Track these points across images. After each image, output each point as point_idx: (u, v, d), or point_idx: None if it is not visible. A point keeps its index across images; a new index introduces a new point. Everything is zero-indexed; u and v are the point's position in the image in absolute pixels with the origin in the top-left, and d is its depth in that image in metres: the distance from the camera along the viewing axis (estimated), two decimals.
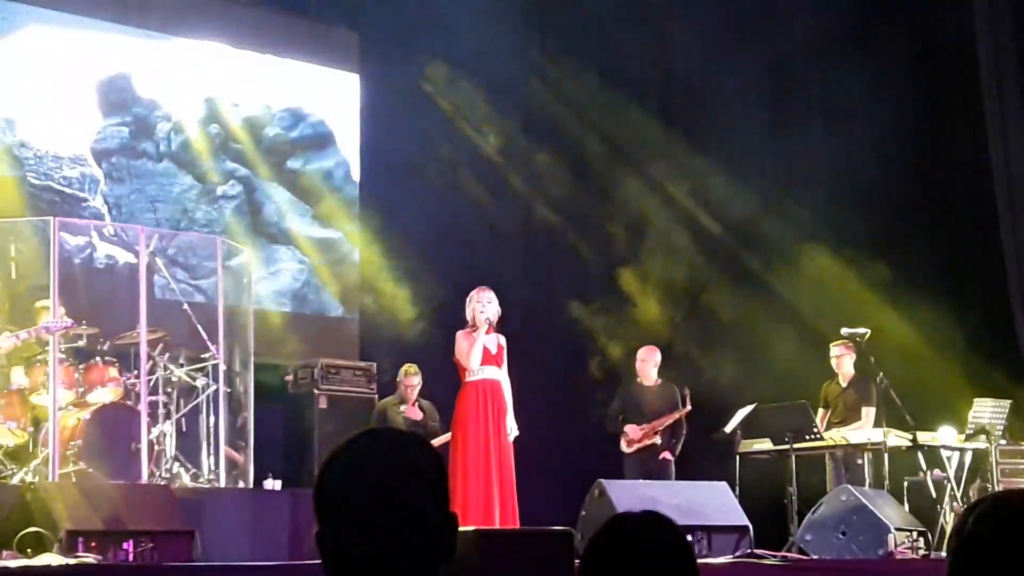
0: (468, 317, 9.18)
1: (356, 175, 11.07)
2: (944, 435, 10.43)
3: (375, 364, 12.01)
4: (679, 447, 10.88)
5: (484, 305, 9.12)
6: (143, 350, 9.81)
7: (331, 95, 13.13)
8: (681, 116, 13.68)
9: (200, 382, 10.38)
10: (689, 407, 10.81)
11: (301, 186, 10.63)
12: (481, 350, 9.07)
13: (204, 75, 10.80)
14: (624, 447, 10.86)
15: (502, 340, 9.27)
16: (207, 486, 10.08)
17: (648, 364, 11.04)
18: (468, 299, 9.23)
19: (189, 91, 10.87)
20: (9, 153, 11.27)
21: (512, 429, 9.13)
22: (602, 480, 9.34)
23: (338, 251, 13.37)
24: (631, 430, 10.81)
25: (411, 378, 11.09)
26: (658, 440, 10.80)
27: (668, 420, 10.81)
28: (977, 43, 12.10)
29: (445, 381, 10.07)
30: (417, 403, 11.10)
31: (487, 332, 9.12)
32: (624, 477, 10.53)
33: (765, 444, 10.48)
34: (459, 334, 9.19)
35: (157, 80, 10.45)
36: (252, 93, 11.14)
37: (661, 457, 10.79)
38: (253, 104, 10.50)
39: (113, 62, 10.42)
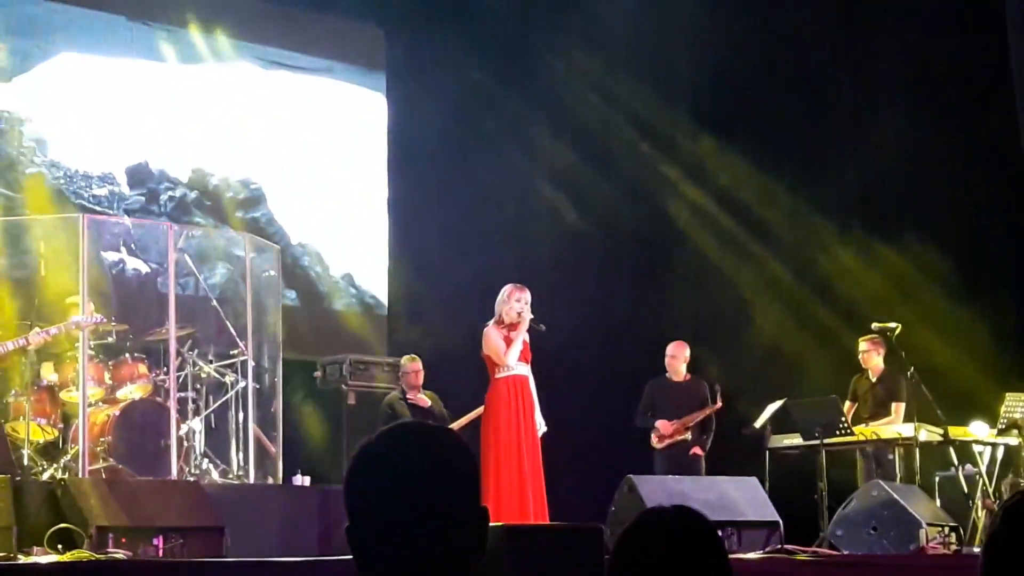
0: (502, 313, 9.08)
1: (280, 220, 14.11)
2: (976, 430, 10.33)
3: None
4: (709, 442, 10.84)
5: (523, 304, 9.07)
6: (172, 346, 9.85)
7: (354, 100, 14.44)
8: (719, 119, 13.57)
9: (229, 378, 10.42)
10: (720, 403, 10.77)
11: (237, 226, 13.65)
12: (520, 347, 9.03)
13: (198, 150, 13.61)
14: (655, 442, 10.82)
15: (526, 337, 9.23)
16: (236, 482, 10.11)
17: (678, 360, 10.98)
18: (506, 296, 9.09)
19: (183, 162, 13.50)
20: (40, 172, 12.23)
21: (541, 425, 9.10)
22: (631, 475, 9.29)
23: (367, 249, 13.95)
24: (662, 425, 10.77)
25: (414, 363, 11.01)
26: (688, 436, 10.78)
27: (700, 416, 10.78)
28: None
29: (468, 377, 10.08)
30: (421, 392, 11.06)
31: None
32: (654, 472, 10.50)
33: (795, 439, 10.42)
34: (490, 330, 9.07)
35: (165, 158, 13.29)
36: (226, 165, 13.87)
37: (692, 452, 10.76)
38: (217, 177, 13.69)
39: (136, 148, 13.23)
